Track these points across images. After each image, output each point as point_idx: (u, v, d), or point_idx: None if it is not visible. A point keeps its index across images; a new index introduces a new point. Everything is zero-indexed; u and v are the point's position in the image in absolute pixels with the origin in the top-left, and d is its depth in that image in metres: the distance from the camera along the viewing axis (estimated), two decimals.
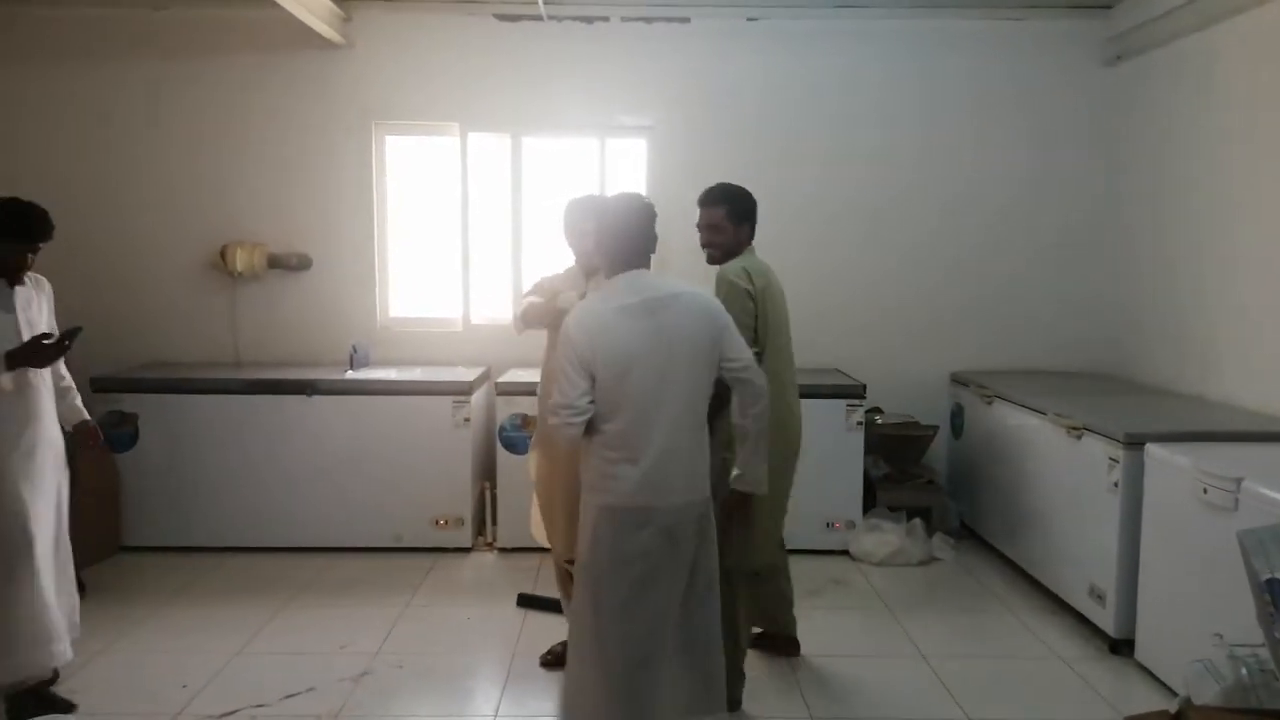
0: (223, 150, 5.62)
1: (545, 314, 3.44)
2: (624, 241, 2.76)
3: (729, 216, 3.47)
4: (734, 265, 3.41)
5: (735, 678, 3.36)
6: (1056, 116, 5.65)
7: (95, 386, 5.00)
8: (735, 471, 2.92)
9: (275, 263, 5.62)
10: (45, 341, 3.27)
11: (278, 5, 4.72)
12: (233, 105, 5.61)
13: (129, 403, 5.02)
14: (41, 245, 3.33)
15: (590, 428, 2.66)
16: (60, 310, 3.60)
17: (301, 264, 5.67)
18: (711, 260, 3.53)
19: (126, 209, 5.59)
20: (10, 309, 3.29)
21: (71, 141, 5.59)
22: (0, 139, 5.57)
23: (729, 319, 2.80)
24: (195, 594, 4.49)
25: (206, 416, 5.01)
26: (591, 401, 2.62)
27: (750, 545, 3.34)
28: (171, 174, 5.57)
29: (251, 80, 5.60)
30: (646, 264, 2.79)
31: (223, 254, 5.50)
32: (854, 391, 5.09)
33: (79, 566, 4.60)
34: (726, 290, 3.30)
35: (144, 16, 5.54)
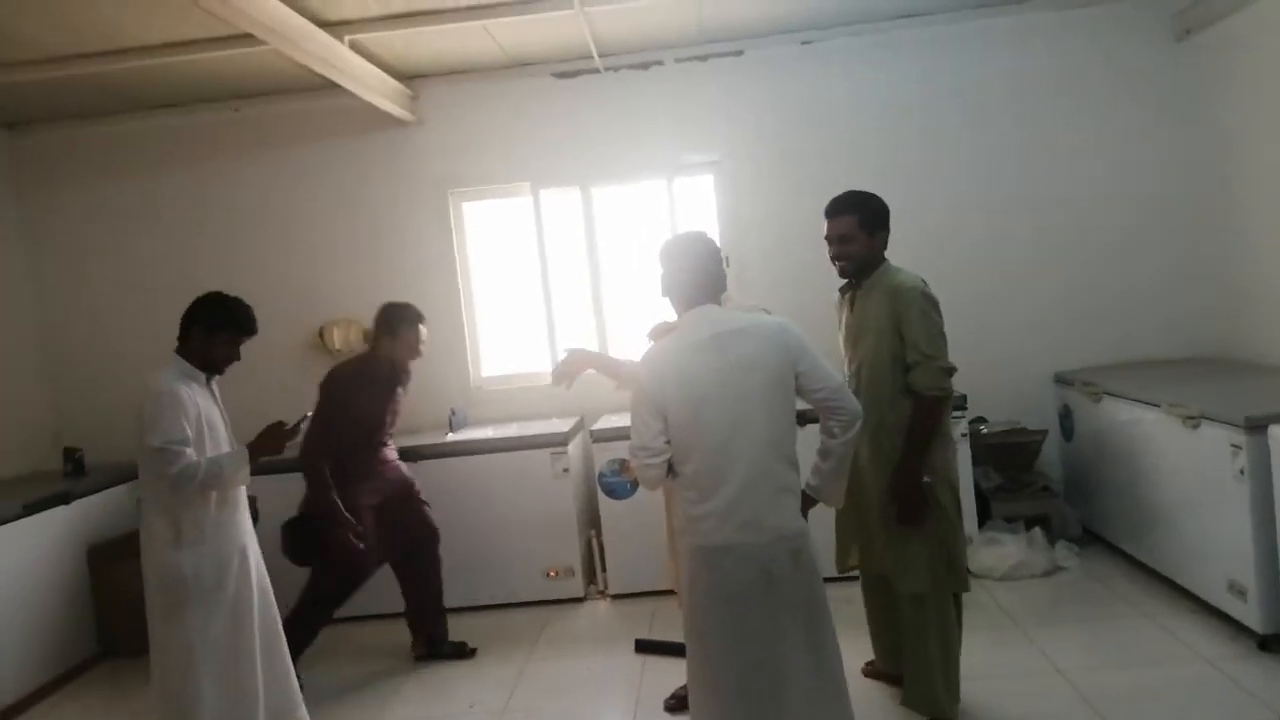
0: (311, 235, 5.87)
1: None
2: (690, 279, 2.77)
3: (861, 224, 3.27)
4: (908, 275, 3.28)
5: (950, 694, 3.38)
6: (1135, 100, 5.48)
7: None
8: (812, 481, 2.79)
9: (369, 337, 5.80)
10: (281, 427, 3.37)
11: (349, 93, 4.95)
12: (314, 191, 5.87)
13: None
14: (247, 339, 3.43)
15: (672, 469, 2.67)
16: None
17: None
18: (844, 274, 3.38)
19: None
20: (218, 402, 3.41)
21: (165, 243, 5.94)
22: (101, 248, 5.98)
23: (804, 344, 2.70)
24: (325, 665, 4.59)
25: None
26: (668, 441, 2.63)
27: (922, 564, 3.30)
28: (265, 264, 5.83)
29: (329, 165, 5.85)
30: (715, 299, 2.79)
31: (320, 334, 5.72)
32: (956, 403, 4.93)
33: None
34: (920, 301, 3.20)
35: (224, 118, 5.87)
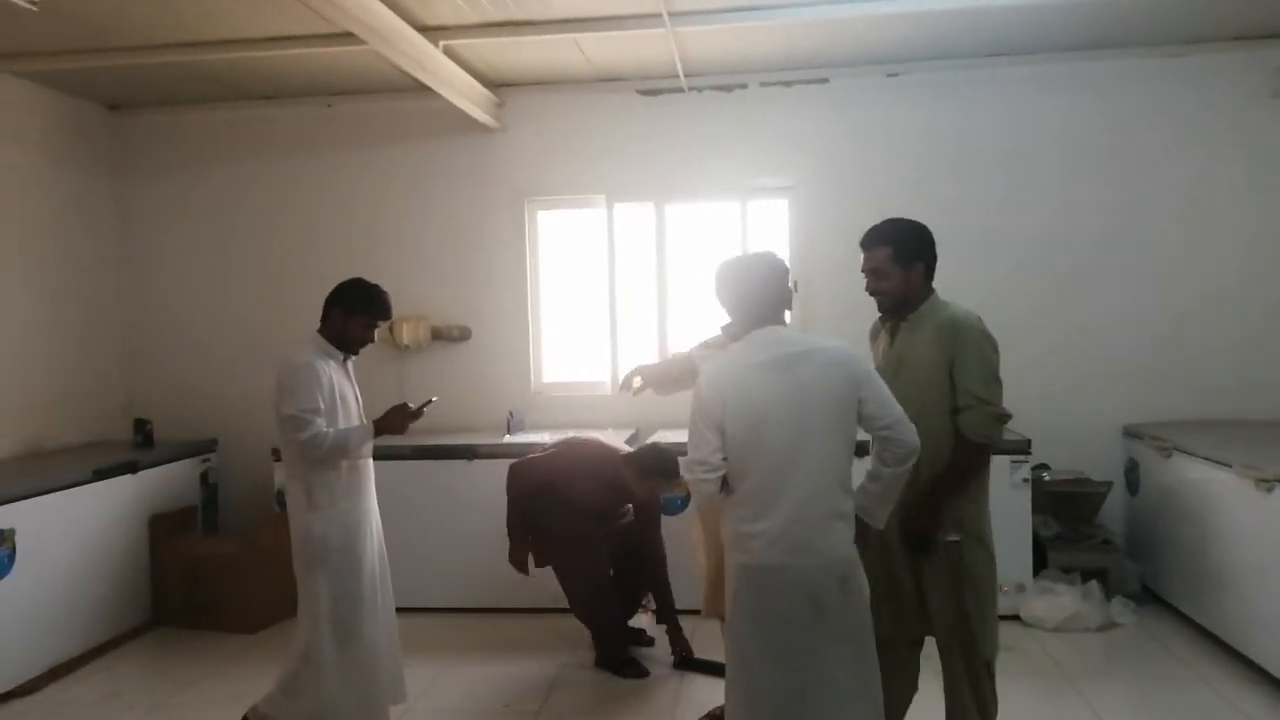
0: (390, 232, 6.01)
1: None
2: (756, 299, 2.76)
3: (895, 258, 3.02)
4: (963, 310, 3.05)
5: None
6: (1226, 153, 5.37)
7: (276, 456, 5.33)
8: (858, 500, 2.73)
9: (438, 335, 5.94)
10: (406, 410, 3.55)
11: (439, 96, 5.07)
12: (399, 189, 6.02)
13: None
14: (382, 323, 3.63)
15: (726, 486, 2.66)
16: (242, 385, 3.91)
17: (462, 335, 5.96)
18: (882, 309, 3.15)
19: (305, 290, 5.99)
20: (353, 381, 3.61)
21: (250, 231, 6.14)
22: (188, 230, 6.19)
23: (870, 372, 2.68)
24: None
25: (379, 482, 5.26)
26: (725, 458, 2.63)
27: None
28: (345, 257, 5.95)
29: (414, 165, 5.99)
30: (781, 320, 2.78)
31: (391, 329, 5.84)
32: (1018, 447, 4.88)
33: (257, 628, 4.93)
34: (979, 340, 2.97)
35: (318, 113, 6.05)
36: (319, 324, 3.55)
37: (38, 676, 4.41)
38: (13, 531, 4.26)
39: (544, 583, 5.13)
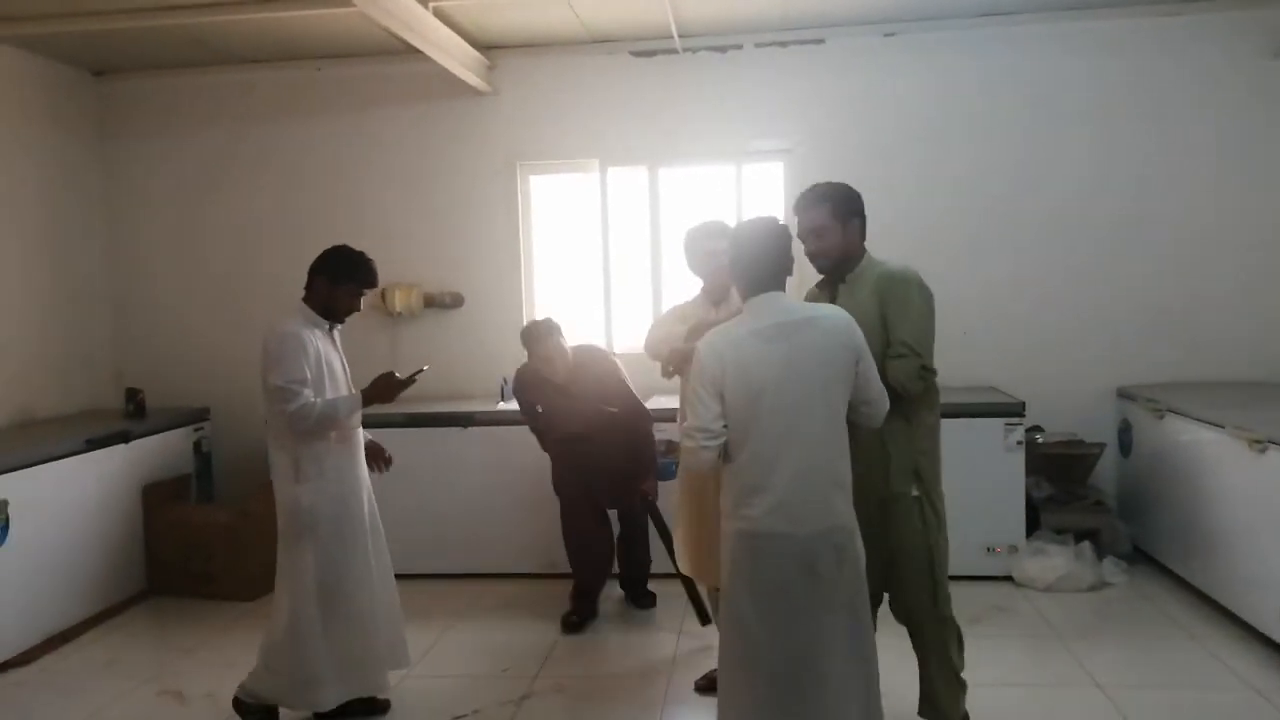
0: (380, 197, 5.95)
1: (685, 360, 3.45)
2: (757, 264, 2.74)
3: (834, 214, 3.04)
4: (898, 264, 3.05)
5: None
6: (1224, 114, 5.34)
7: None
8: None
9: (430, 302, 5.90)
10: (394, 379, 3.49)
11: (429, 59, 4.99)
12: (388, 154, 5.95)
13: None
14: (369, 291, 3.58)
15: (725, 453, 2.66)
16: (234, 353, 3.92)
17: (454, 302, 5.92)
18: (822, 270, 3.14)
19: (295, 256, 5.93)
20: (339, 350, 3.58)
21: (238, 196, 6.07)
22: (175, 196, 6.12)
23: (866, 347, 2.69)
24: None
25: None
26: (725, 425, 2.62)
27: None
28: (334, 223, 5.89)
29: (404, 130, 5.92)
30: (781, 287, 2.76)
31: (383, 295, 5.79)
32: (1012, 409, 4.89)
33: (253, 596, 4.92)
34: (917, 292, 2.97)
35: (306, 76, 5.96)
36: (304, 292, 3.51)
37: (34, 646, 4.41)
38: (5, 503, 4.25)
39: (538, 547, 5.17)
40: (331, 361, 3.48)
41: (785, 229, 2.81)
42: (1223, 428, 4.24)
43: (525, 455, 5.13)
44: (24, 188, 5.48)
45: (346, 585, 3.46)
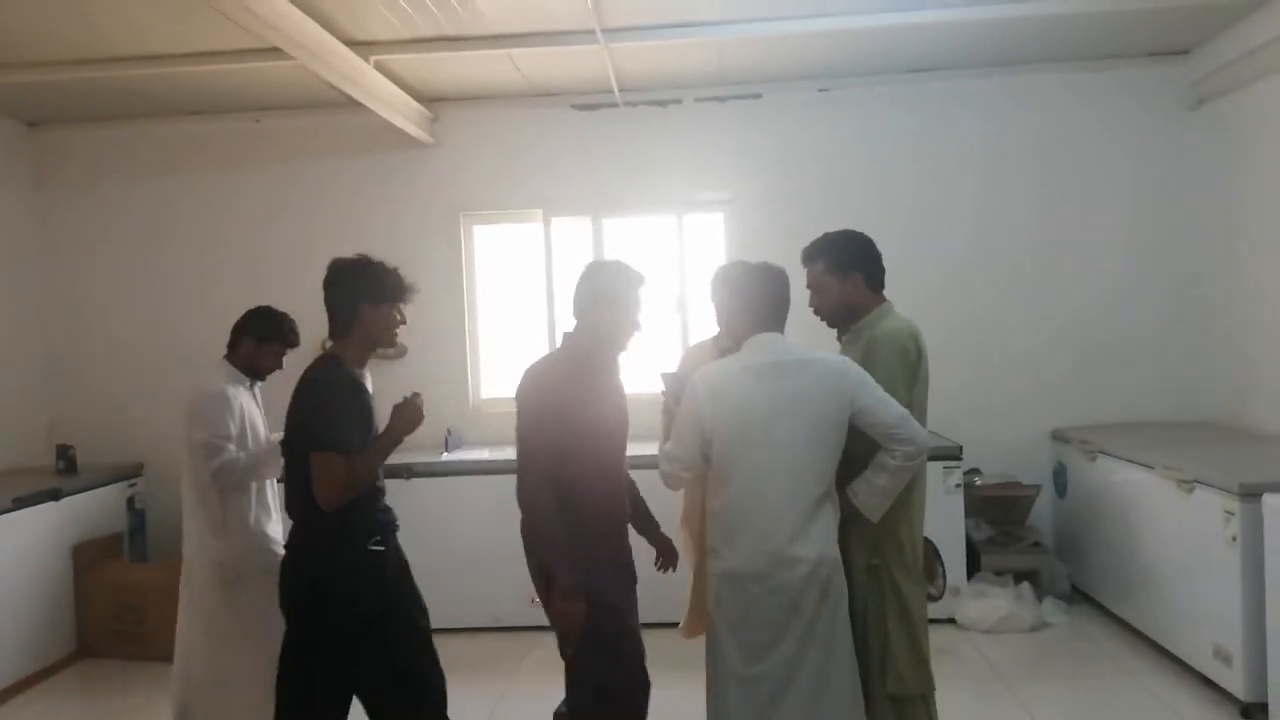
0: (322, 249, 5.78)
1: None
2: (756, 304, 2.78)
3: (829, 270, 2.95)
4: (898, 324, 2.92)
5: None
6: (1147, 164, 5.57)
7: None
8: (857, 486, 2.72)
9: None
10: (415, 397, 3.04)
11: (370, 111, 5.02)
12: (328, 205, 5.93)
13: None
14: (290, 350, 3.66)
15: (710, 491, 2.68)
16: (169, 406, 3.90)
17: (397, 353, 5.87)
18: (827, 323, 3.06)
19: (230, 309, 5.88)
20: (259, 405, 3.65)
21: (176, 250, 5.99)
22: (111, 249, 6.03)
23: (865, 380, 2.65)
24: None
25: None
26: (705, 457, 2.65)
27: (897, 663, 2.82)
28: (277, 274, 5.85)
29: (346, 181, 5.92)
30: (778, 328, 2.78)
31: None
32: (950, 453, 4.99)
33: None
34: (886, 353, 2.84)
35: (246, 129, 5.94)
36: (225, 350, 3.59)
37: None
38: None
39: (482, 601, 5.10)
40: (254, 418, 3.57)
41: (783, 272, 2.83)
42: (1152, 468, 4.36)
43: (469, 508, 5.10)
44: None
45: (255, 640, 3.36)
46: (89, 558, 5.10)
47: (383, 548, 2.98)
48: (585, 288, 2.99)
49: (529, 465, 2.87)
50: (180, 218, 6.00)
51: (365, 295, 3.07)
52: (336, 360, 2.99)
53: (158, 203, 6.00)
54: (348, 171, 5.92)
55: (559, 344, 3.10)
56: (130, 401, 5.95)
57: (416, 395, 3.04)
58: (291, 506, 2.93)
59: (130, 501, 5.58)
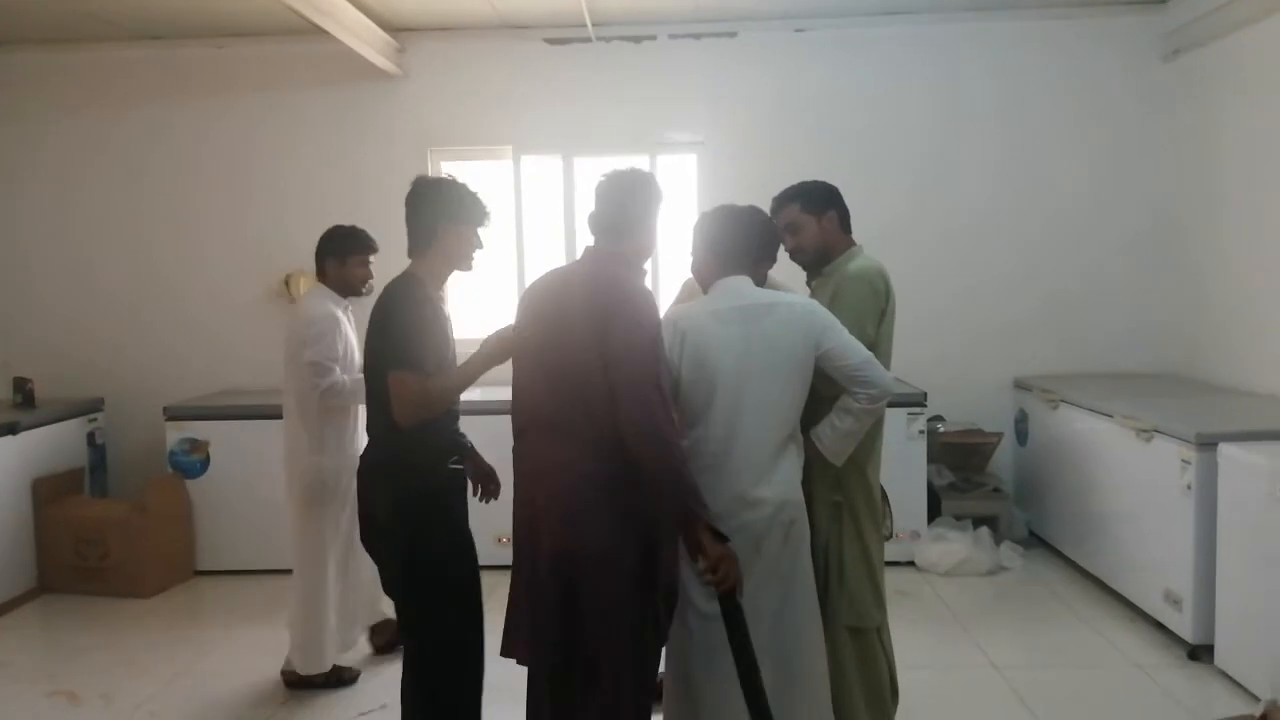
0: (284, 183, 5.78)
1: None
2: (722, 247, 2.76)
3: (805, 209, 3.03)
4: (867, 263, 2.98)
5: None
6: (1117, 115, 5.56)
7: (168, 415, 5.17)
8: (821, 430, 2.75)
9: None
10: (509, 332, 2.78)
11: (334, 39, 4.87)
12: (292, 137, 5.79)
13: (201, 430, 5.16)
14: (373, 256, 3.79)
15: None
16: (130, 341, 3.86)
17: (367, 290, 5.77)
18: (804, 266, 3.11)
19: (193, 242, 5.79)
20: (354, 326, 3.75)
21: (129, 179, 5.83)
22: (63, 177, 5.85)
23: (831, 322, 2.66)
24: (268, 616, 4.54)
25: (276, 441, 5.11)
26: (673, 399, 2.61)
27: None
28: (235, 206, 5.75)
29: (309, 112, 5.77)
30: (747, 271, 2.75)
31: (286, 282, 5.64)
32: (914, 400, 5.03)
33: (150, 592, 4.80)
34: (853, 289, 2.90)
35: (206, 55, 5.75)
36: (316, 277, 3.78)
37: None
38: None
39: None
40: (351, 340, 3.73)
41: (763, 217, 2.83)
42: (1112, 417, 4.43)
43: None
44: None
45: (355, 548, 3.56)
46: (49, 493, 5.04)
47: (461, 467, 3.01)
48: (624, 200, 2.86)
49: (653, 390, 2.41)
50: (133, 147, 5.82)
51: (444, 214, 2.98)
52: (415, 279, 2.90)
53: (110, 131, 5.81)
54: (311, 102, 5.76)
55: (589, 259, 2.84)
56: (90, 335, 5.84)
57: (509, 328, 2.77)
58: (372, 424, 2.90)
59: (91, 436, 5.51)
